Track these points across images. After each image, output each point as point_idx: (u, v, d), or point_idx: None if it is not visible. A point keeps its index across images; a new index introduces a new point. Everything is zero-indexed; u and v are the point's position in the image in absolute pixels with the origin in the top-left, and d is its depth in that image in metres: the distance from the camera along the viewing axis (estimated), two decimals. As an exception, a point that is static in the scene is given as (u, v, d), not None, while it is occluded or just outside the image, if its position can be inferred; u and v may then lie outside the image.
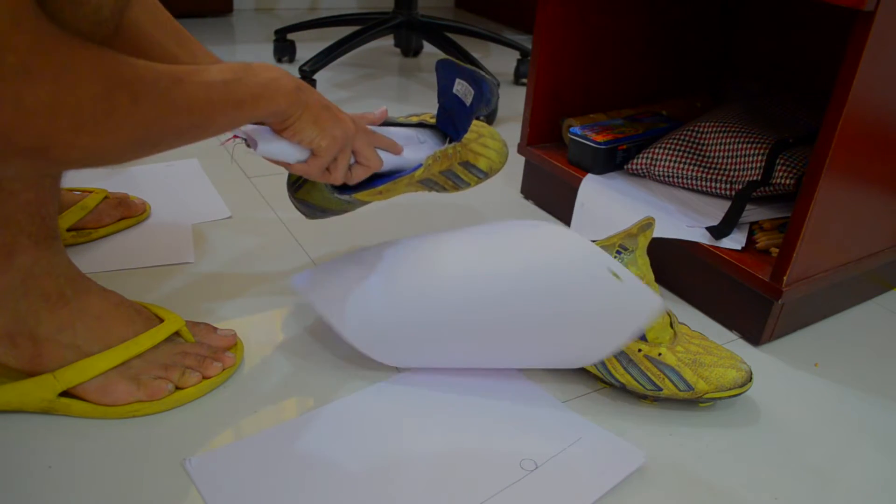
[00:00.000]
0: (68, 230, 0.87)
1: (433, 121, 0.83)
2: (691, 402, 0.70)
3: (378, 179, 0.76)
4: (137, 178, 1.06)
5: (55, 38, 0.41)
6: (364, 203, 0.78)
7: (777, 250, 0.83)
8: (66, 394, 0.62)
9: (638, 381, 0.69)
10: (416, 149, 0.78)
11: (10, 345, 0.61)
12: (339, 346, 0.75)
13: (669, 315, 0.72)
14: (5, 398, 0.61)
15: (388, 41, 1.99)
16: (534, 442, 0.64)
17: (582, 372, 0.75)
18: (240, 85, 0.55)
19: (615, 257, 0.68)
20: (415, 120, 0.82)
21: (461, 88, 0.76)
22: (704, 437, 0.68)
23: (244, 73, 0.56)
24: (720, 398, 0.69)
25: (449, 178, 0.83)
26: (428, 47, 1.96)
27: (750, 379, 0.69)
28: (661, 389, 0.69)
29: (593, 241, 0.68)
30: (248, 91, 0.56)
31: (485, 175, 0.85)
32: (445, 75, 0.77)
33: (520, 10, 2.30)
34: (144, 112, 0.47)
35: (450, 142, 0.81)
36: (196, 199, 1.03)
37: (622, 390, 0.72)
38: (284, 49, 1.73)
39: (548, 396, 0.71)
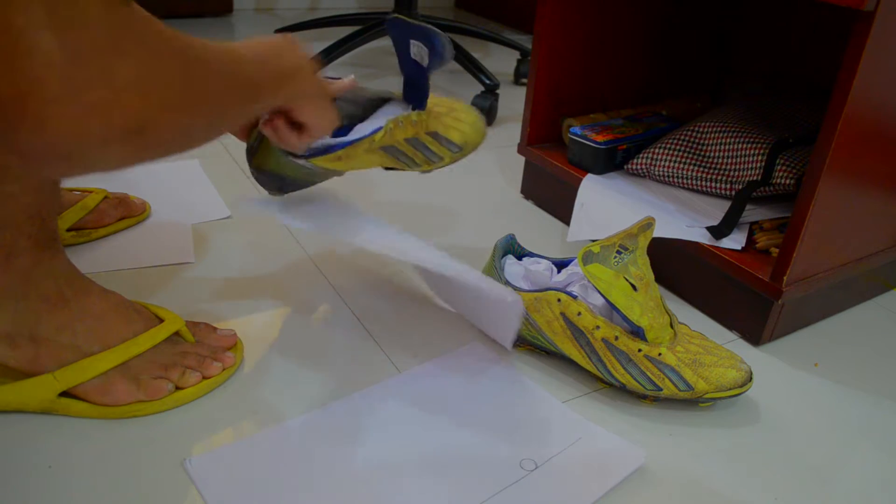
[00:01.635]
0: (68, 230, 0.87)
1: (400, 95, 0.80)
2: (691, 402, 0.70)
3: (337, 145, 0.74)
4: (137, 178, 1.06)
5: (136, 16, 0.42)
6: (326, 171, 0.77)
7: (777, 250, 0.82)
8: (66, 394, 0.62)
9: (638, 381, 0.69)
10: (380, 121, 0.76)
11: (9, 345, 0.61)
12: (339, 346, 0.76)
13: (669, 315, 0.72)
14: (5, 398, 0.61)
15: (388, 41, 1.99)
16: (534, 442, 0.64)
17: (582, 372, 0.75)
18: (266, 66, 0.57)
19: (615, 257, 0.68)
20: (383, 94, 0.80)
21: (417, 50, 0.74)
22: (704, 437, 0.68)
23: (271, 55, 0.57)
24: (720, 398, 0.69)
25: (417, 149, 0.78)
26: (428, 47, 1.95)
27: (750, 379, 0.69)
28: (661, 389, 0.69)
29: (594, 241, 0.68)
30: (280, 72, 0.58)
31: (458, 149, 0.80)
32: (399, 37, 0.75)
33: (520, 10, 2.29)
34: (217, 88, 0.48)
35: (413, 110, 0.77)
36: (196, 199, 1.03)
37: (622, 390, 0.72)
38: (284, 49, 1.73)
39: (548, 396, 0.71)
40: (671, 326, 0.71)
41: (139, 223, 0.94)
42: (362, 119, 0.79)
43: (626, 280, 0.68)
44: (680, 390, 0.68)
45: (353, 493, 0.58)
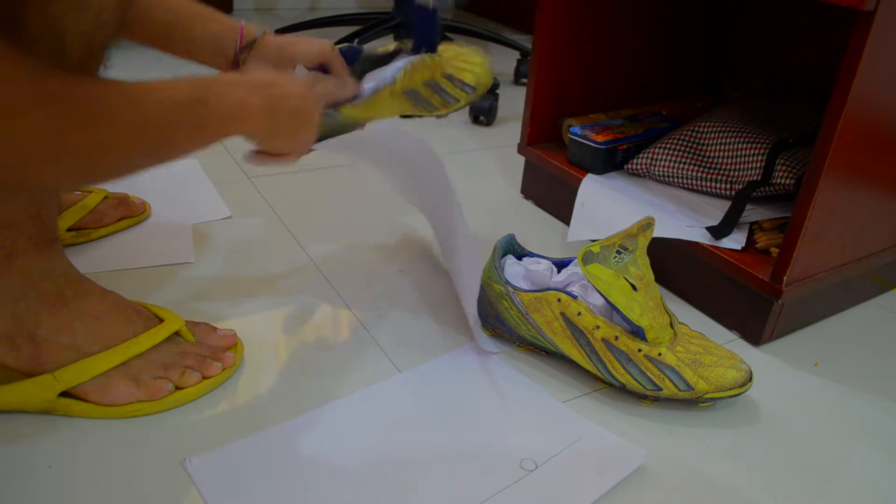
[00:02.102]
0: (68, 230, 0.87)
1: (409, 47, 0.83)
2: (691, 402, 0.70)
3: (361, 94, 0.77)
4: (137, 179, 1.06)
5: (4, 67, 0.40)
6: (349, 122, 0.78)
7: (777, 250, 0.82)
8: (66, 394, 0.62)
9: (637, 381, 0.69)
10: (397, 67, 0.80)
11: (9, 346, 0.61)
12: (339, 345, 0.76)
13: (669, 315, 0.72)
14: (5, 398, 0.61)
15: (387, 41, 1.99)
16: (534, 442, 0.64)
17: (582, 372, 0.75)
18: (205, 108, 0.53)
19: (615, 257, 0.68)
20: (392, 48, 0.82)
21: None
22: (704, 437, 0.68)
23: (211, 94, 0.54)
24: (720, 398, 0.69)
25: (436, 92, 0.81)
26: (428, 47, 1.95)
27: (750, 379, 0.69)
28: (660, 389, 0.69)
29: (594, 241, 0.68)
30: (213, 115, 0.54)
31: (472, 89, 0.84)
32: None
33: (520, 10, 2.29)
34: (95, 136, 0.45)
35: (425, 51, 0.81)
36: (196, 199, 1.03)
37: (622, 390, 0.72)
38: (284, 49, 1.73)
39: (548, 396, 0.71)
40: (671, 326, 0.71)
41: (139, 223, 0.94)
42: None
43: (626, 280, 0.68)
44: (680, 390, 0.68)
45: (353, 493, 0.58)
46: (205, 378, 0.66)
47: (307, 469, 0.59)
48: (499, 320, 0.77)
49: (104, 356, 0.62)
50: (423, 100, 0.82)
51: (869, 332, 0.88)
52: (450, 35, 1.62)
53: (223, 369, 0.68)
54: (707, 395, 0.68)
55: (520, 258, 0.82)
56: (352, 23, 1.71)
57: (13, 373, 0.62)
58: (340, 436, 0.63)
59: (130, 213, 0.93)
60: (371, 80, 0.80)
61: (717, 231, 0.85)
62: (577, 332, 0.71)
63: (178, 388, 0.65)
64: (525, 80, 1.73)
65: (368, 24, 1.61)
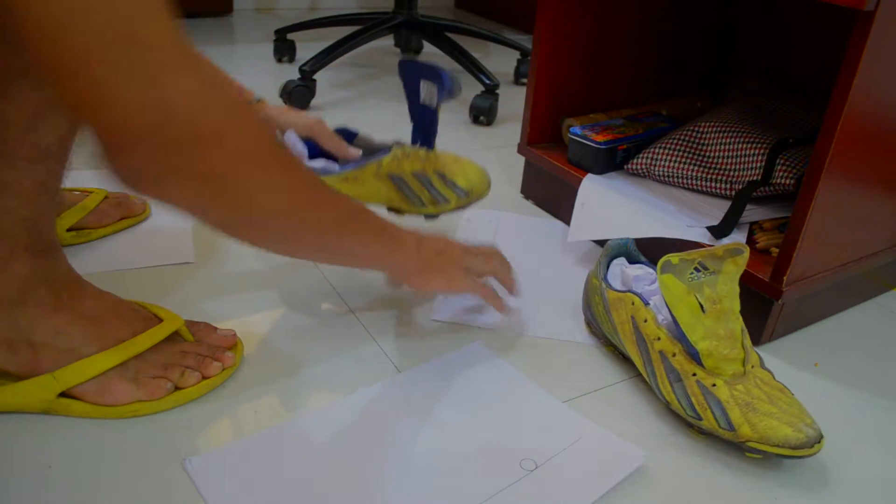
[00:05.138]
0: (68, 230, 0.87)
1: (408, 143, 0.85)
2: (738, 446, 0.65)
3: (347, 166, 0.79)
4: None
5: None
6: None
7: (777, 250, 0.82)
8: (65, 394, 0.62)
9: (680, 403, 0.67)
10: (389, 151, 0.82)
11: (8, 351, 0.61)
12: (339, 346, 0.76)
13: (745, 352, 0.67)
14: (5, 399, 0.61)
15: (388, 41, 1.99)
16: (534, 442, 0.64)
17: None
18: (385, 259, 0.69)
19: (691, 273, 0.65)
20: (390, 141, 0.84)
21: (426, 92, 0.81)
22: (704, 437, 0.68)
23: (389, 253, 0.68)
24: (769, 452, 0.62)
25: (424, 186, 0.83)
26: (428, 47, 1.95)
27: (812, 445, 0.62)
28: (700, 419, 0.65)
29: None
30: (381, 263, 0.70)
31: (464, 193, 0.86)
32: (410, 79, 0.81)
33: (520, 10, 2.30)
34: (321, 209, 0.58)
35: (421, 146, 0.84)
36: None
37: (667, 408, 0.71)
38: (284, 49, 1.73)
39: (548, 396, 0.71)
40: (743, 364, 0.66)
41: (139, 223, 0.95)
42: None
43: (696, 298, 0.65)
44: (720, 427, 0.64)
45: (353, 492, 0.58)
46: (204, 378, 0.66)
47: (307, 469, 0.59)
48: (591, 313, 0.79)
49: (103, 356, 0.62)
50: (411, 191, 0.83)
51: (869, 332, 0.88)
52: (450, 35, 1.62)
53: (223, 369, 0.68)
54: (751, 444, 0.63)
55: (633, 263, 0.80)
56: (352, 23, 1.71)
57: (13, 378, 0.62)
58: (340, 436, 0.63)
59: (130, 212, 0.93)
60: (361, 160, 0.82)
61: (718, 231, 0.85)
62: (640, 338, 0.70)
63: (177, 387, 0.65)
64: (525, 80, 1.73)
65: (369, 24, 1.61)
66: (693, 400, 0.66)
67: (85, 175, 0.95)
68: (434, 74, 0.80)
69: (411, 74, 0.81)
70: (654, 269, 0.77)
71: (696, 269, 0.65)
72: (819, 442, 0.62)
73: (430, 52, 1.93)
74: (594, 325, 0.79)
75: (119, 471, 0.58)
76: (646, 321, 0.70)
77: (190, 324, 0.71)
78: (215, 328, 0.72)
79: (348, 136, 0.85)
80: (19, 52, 0.46)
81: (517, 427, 0.66)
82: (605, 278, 0.77)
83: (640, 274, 0.76)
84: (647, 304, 0.71)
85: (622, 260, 0.81)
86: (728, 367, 0.66)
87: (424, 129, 0.84)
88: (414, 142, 0.85)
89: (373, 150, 0.83)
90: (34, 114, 0.55)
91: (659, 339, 0.69)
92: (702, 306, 0.65)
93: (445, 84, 0.80)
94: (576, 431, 0.66)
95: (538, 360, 0.76)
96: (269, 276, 0.87)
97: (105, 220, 0.90)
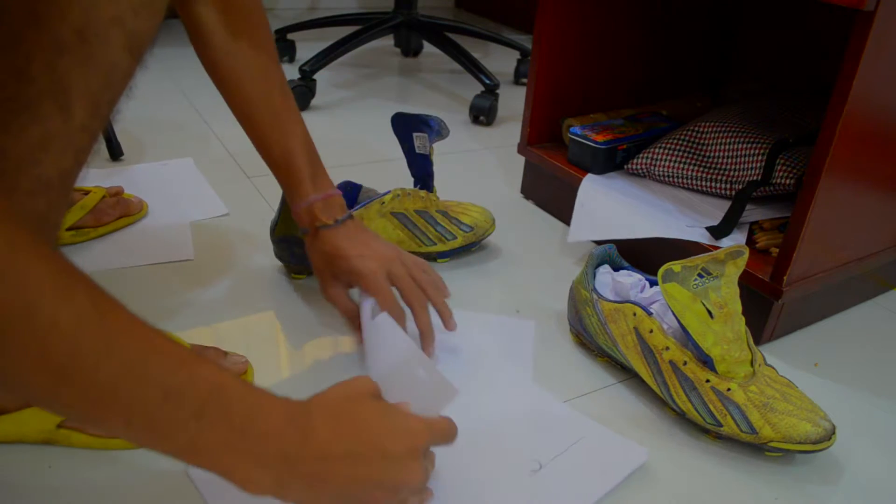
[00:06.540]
0: (67, 230, 0.86)
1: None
2: (758, 448, 0.66)
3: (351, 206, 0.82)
4: (134, 177, 1.06)
5: None
6: None
7: (777, 250, 0.82)
8: (64, 426, 0.60)
9: (698, 412, 0.66)
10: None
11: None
12: (340, 345, 0.75)
13: (752, 352, 0.67)
14: (4, 429, 0.59)
15: (388, 41, 1.99)
16: (537, 441, 0.64)
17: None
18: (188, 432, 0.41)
19: (696, 280, 0.64)
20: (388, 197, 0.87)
21: (420, 143, 0.87)
22: (706, 437, 0.68)
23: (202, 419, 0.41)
24: (790, 450, 0.63)
25: (429, 223, 0.88)
26: (428, 47, 1.95)
27: (829, 437, 0.63)
28: (721, 425, 0.65)
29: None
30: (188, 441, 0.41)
31: (469, 228, 0.91)
32: (403, 134, 0.87)
33: (520, 10, 2.30)
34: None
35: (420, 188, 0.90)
36: (193, 197, 1.03)
37: (682, 418, 0.70)
38: (284, 49, 1.73)
39: (550, 396, 0.70)
40: (751, 364, 0.66)
41: (137, 221, 0.94)
42: None
43: (704, 305, 0.64)
44: (742, 431, 0.64)
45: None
46: None
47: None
48: (581, 326, 0.76)
49: None
50: (416, 227, 0.87)
51: (869, 332, 0.88)
52: (450, 35, 1.62)
53: None
54: (773, 444, 0.63)
55: (617, 270, 0.80)
56: (352, 23, 1.71)
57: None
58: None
59: (129, 211, 0.93)
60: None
61: (718, 231, 0.85)
62: (646, 350, 0.69)
63: None
64: (525, 80, 1.73)
65: (369, 25, 1.61)
66: (711, 407, 0.65)
67: (83, 174, 0.95)
68: (423, 124, 0.86)
69: (403, 129, 0.87)
70: (641, 274, 0.77)
71: (699, 275, 0.64)
72: (834, 433, 0.63)
73: (430, 52, 1.93)
74: (585, 336, 0.77)
75: (119, 472, 0.58)
76: (652, 332, 0.68)
77: (199, 349, 0.67)
78: (225, 353, 0.69)
79: (353, 188, 0.88)
80: (23, 84, 0.45)
81: (520, 427, 0.66)
82: (594, 289, 0.75)
83: (631, 281, 0.75)
84: (650, 313, 0.69)
85: (606, 267, 0.79)
86: (740, 370, 0.65)
87: (423, 174, 0.90)
88: (414, 185, 0.90)
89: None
90: (36, 146, 0.53)
91: (668, 348, 0.67)
92: (710, 312, 0.64)
93: (434, 129, 0.86)
94: (578, 431, 0.66)
95: (538, 361, 0.76)
96: (269, 273, 0.87)
97: (104, 218, 0.90)
